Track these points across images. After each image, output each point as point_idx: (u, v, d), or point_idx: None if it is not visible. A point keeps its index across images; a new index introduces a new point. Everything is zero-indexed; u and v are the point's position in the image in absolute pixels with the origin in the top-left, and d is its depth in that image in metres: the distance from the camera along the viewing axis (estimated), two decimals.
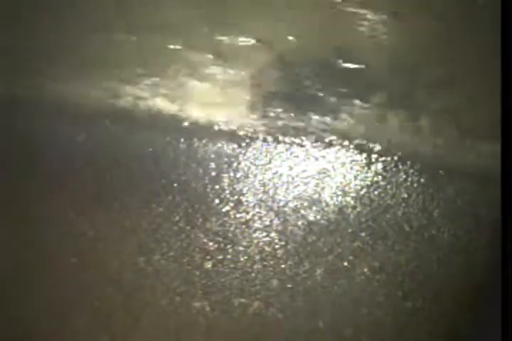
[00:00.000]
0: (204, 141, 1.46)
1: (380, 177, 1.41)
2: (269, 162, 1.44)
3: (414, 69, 1.42)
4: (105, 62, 1.50)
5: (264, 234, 1.41)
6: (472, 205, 1.39)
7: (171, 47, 1.48)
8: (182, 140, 1.46)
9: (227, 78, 1.47)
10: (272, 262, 1.40)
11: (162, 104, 1.49)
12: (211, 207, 1.42)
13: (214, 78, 1.47)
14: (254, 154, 1.44)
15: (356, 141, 1.43)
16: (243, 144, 1.45)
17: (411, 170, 1.41)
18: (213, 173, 1.44)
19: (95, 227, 1.43)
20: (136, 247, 1.42)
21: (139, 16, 1.48)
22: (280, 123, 1.45)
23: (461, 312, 1.36)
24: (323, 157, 1.43)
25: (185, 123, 1.47)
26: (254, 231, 1.41)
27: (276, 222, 1.41)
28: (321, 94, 1.44)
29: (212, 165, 1.44)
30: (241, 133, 1.45)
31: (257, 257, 1.40)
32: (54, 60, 1.51)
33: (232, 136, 1.45)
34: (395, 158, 1.41)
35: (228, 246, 1.41)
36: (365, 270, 1.38)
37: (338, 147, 1.43)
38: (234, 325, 1.38)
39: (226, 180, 1.43)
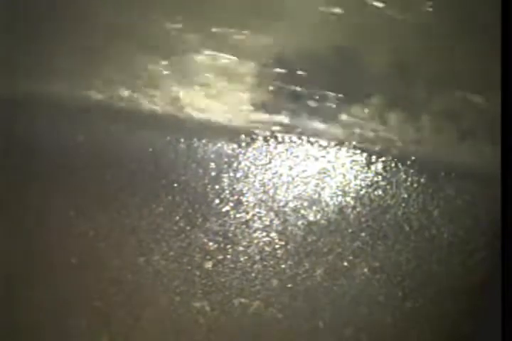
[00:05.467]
0: (204, 141, 1.46)
1: (380, 177, 1.41)
2: (269, 162, 1.44)
3: (414, 69, 1.42)
4: (105, 63, 1.50)
5: (264, 234, 1.41)
6: (472, 205, 1.39)
7: (171, 47, 1.48)
8: (182, 140, 1.46)
9: (227, 78, 1.46)
10: (271, 262, 1.40)
11: (162, 104, 1.49)
12: (211, 207, 1.42)
13: (214, 78, 1.47)
14: (254, 154, 1.44)
15: (356, 141, 1.43)
16: (243, 144, 1.45)
17: (411, 170, 1.41)
18: (213, 173, 1.44)
19: (95, 227, 1.43)
20: (136, 247, 1.42)
21: (138, 18, 1.48)
22: (280, 123, 1.45)
23: (461, 312, 1.36)
24: (323, 157, 1.43)
25: (185, 123, 1.47)
26: (254, 231, 1.41)
27: (276, 222, 1.41)
28: (321, 94, 1.44)
29: (212, 165, 1.44)
30: (241, 133, 1.45)
31: (257, 257, 1.40)
32: (54, 60, 1.51)
33: (232, 136, 1.45)
34: (395, 158, 1.41)
35: (228, 246, 1.41)
36: (365, 270, 1.38)
37: (338, 147, 1.43)
38: (234, 325, 1.38)
39: (226, 180, 1.43)
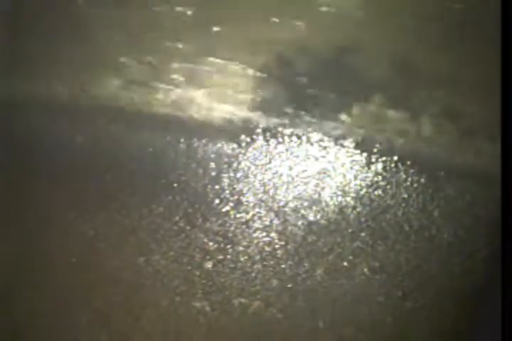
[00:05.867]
0: (204, 141, 1.46)
1: (380, 177, 1.41)
2: (269, 162, 1.44)
3: (414, 69, 1.41)
4: (105, 63, 1.50)
5: (264, 234, 1.41)
6: (472, 205, 1.39)
7: (171, 47, 1.48)
8: (182, 140, 1.46)
9: (227, 78, 1.46)
10: (271, 262, 1.40)
11: (162, 104, 1.49)
12: (211, 207, 1.42)
13: (214, 78, 1.47)
14: (254, 154, 1.44)
15: (356, 141, 1.43)
16: (243, 144, 1.45)
17: (411, 170, 1.41)
18: (213, 173, 1.44)
19: (95, 227, 1.43)
20: (136, 247, 1.42)
21: (137, 18, 1.48)
22: (280, 123, 1.45)
23: (461, 312, 1.36)
24: (323, 157, 1.43)
25: (185, 123, 1.47)
26: (254, 231, 1.41)
27: (276, 222, 1.41)
28: (321, 94, 1.44)
29: (212, 165, 1.44)
30: (241, 133, 1.45)
31: (257, 257, 1.40)
32: (54, 60, 1.51)
33: (232, 136, 1.45)
34: (395, 158, 1.41)
35: (228, 246, 1.41)
36: (365, 270, 1.38)
37: (338, 147, 1.43)
38: (234, 325, 1.38)
39: (226, 180, 1.43)
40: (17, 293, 1.43)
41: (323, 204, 1.41)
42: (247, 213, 1.42)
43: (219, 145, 1.45)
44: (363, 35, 1.42)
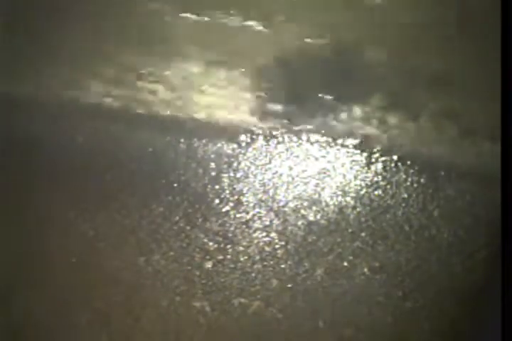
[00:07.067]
0: (204, 141, 1.46)
1: (380, 177, 1.41)
2: (269, 162, 1.44)
3: (414, 69, 1.42)
4: (105, 63, 1.50)
5: (264, 234, 1.41)
6: (472, 205, 1.39)
7: (171, 48, 1.48)
8: (182, 140, 1.46)
9: (227, 78, 1.46)
10: (271, 262, 1.40)
11: (162, 104, 1.49)
12: (211, 207, 1.42)
13: (214, 78, 1.47)
14: (254, 154, 1.44)
15: (356, 141, 1.43)
16: (243, 144, 1.45)
17: (411, 170, 1.41)
18: (213, 173, 1.44)
19: (95, 227, 1.43)
20: (136, 247, 1.42)
21: (137, 18, 1.48)
22: (280, 123, 1.45)
23: (461, 312, 1.36)
24: (323, 157, 1.43)
25: (185, 123, 1.47)
26: (254, 231, 1.41)
27: (276, 222, 1.41)
28: (321, 94, 1.44)
29: (212, 165, 1.44)
30: (241, 133, 1.45)
31: (257, 257, 1.40)
32: (54, 60, 1.51)
33: (232, 136, 1.45)
34: (395, 158, 1.41)
35: (228, 246, 1.41)
36: (365, 270, 1.38)
37: (338, 147, 1.43)
38: (234, 325, 1.38)
39: (226, 180, 1.43)
40: (17, 293, 1.43)
41: (323, 204, 1.41)
42: (247, 213, 1.42)
43: (219, 145, 1.45)
44: (363, 35, 1.42)
